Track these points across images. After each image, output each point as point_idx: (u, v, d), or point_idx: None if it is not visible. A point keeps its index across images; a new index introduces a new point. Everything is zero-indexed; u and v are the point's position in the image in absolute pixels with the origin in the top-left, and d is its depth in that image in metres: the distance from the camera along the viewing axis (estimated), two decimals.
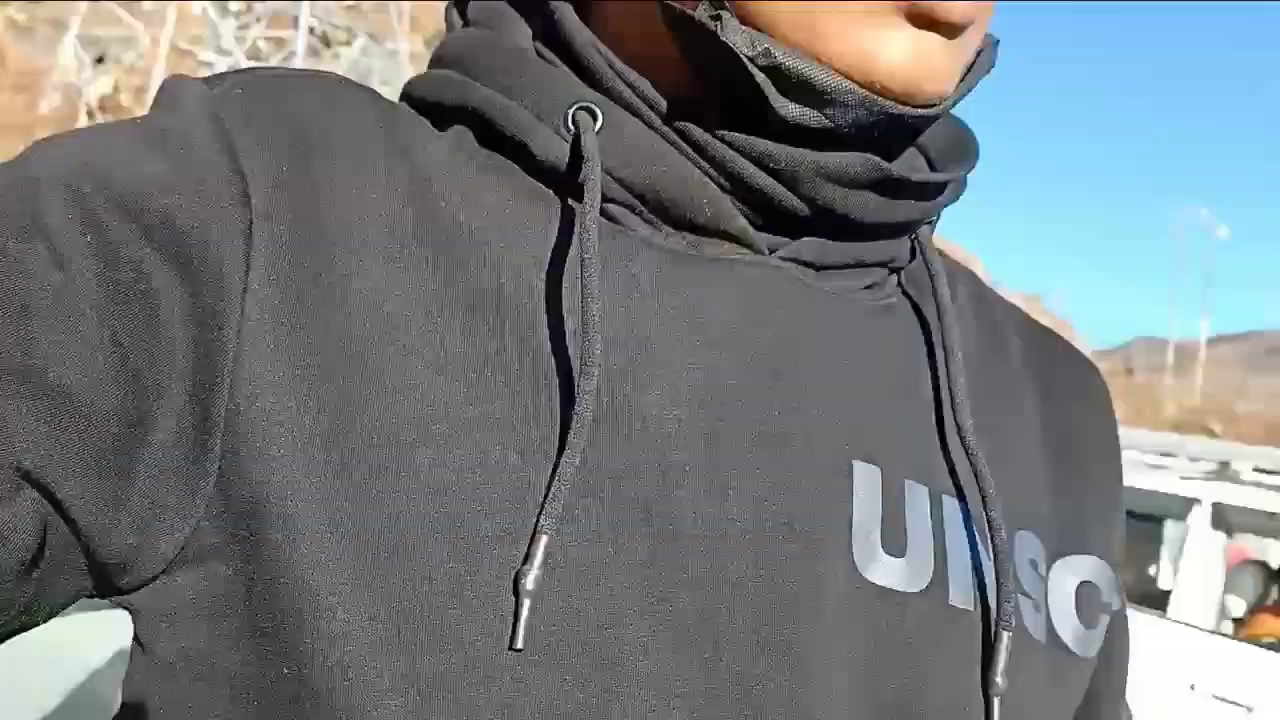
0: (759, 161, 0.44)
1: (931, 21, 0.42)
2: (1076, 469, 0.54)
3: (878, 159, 0.44)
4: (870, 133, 0.43)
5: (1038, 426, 0.54)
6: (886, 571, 0.43)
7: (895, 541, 0.44)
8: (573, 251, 0.43)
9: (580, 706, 0.38)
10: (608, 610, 0.39)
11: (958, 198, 0.50)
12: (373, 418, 0.39)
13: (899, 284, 0.50)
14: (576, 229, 0.42)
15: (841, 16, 0.41)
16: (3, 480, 0.35)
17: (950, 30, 0.42)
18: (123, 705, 0.44)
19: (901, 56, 0.42)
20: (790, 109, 0.42)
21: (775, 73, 0.42)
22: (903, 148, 0.47)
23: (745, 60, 0.42)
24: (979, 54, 0.46)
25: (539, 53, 0.48)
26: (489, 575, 0.38)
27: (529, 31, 0.49)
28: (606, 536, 0.39)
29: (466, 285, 0.42)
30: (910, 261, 0.51)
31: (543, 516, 0.38)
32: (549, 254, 0.43)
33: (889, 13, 0.41)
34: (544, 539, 0.38)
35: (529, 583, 0.37)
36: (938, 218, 0.51)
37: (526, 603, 0.37)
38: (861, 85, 0.42)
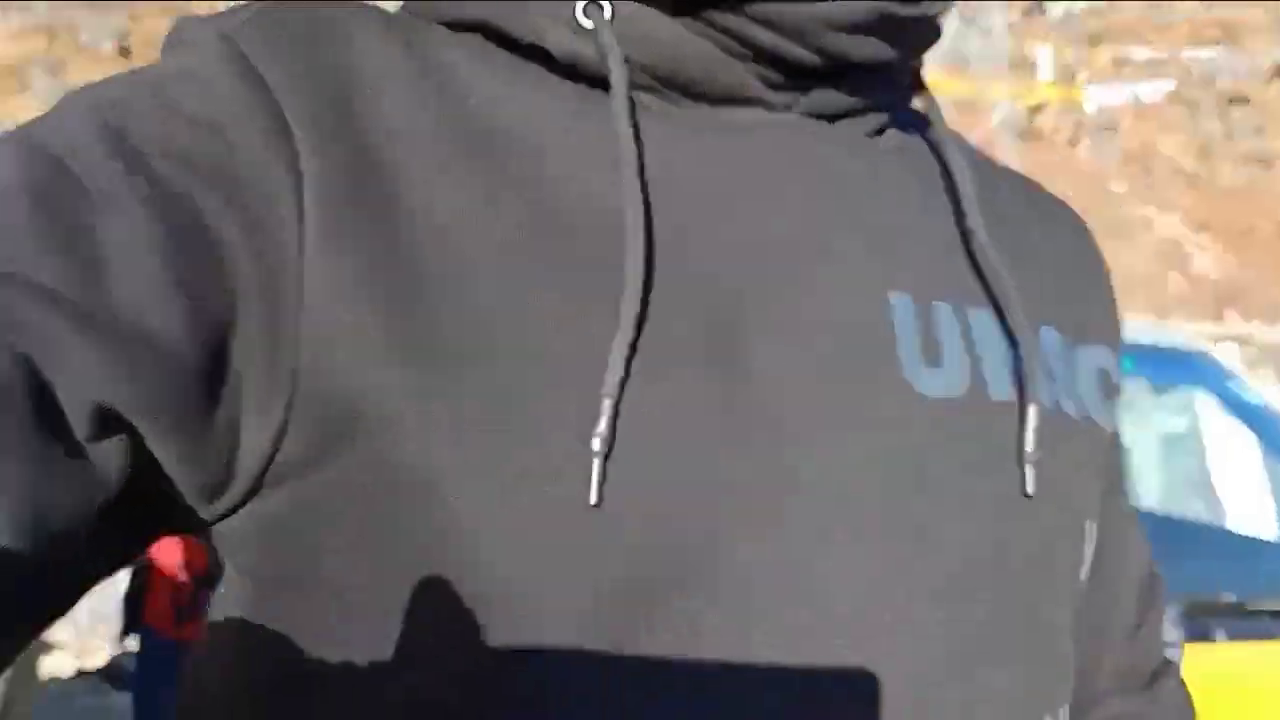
0: (766, 23, 0.46)
1: None
2: (1079, 278, 0.61)
3: (878, 3, 0.47)
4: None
5: (1040, 244, 0.59)
6: (930, 382, 0.48)
7: (933, 356, 0.48)
8: (608, 139, 0.46)
9: (677, 538, 0.41)
10: (687, 460, 0.42)
11: (937, 38, 0.55)
12: (444, 312, 0.41)
13: (898, 129, 0.55)
14: (615, 122, 0.45)
15: None
16: (87, 421, 0.36)
17: None
18: (212, 625, 0.46)
19: None
20: None
21: None
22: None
23: None
24: None
25: None
26: (566, 437, 0.41)
27: None
28: (675, 390, 0.42)
29: (509, 182, 0.44)
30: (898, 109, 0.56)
31: (606, 381, 0.41)
32: (584, 143, 0.46)
33: None
34: (607, 401, 0.41)
35: (597, 444, 0.40)
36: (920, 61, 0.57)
37: (597, 464, 0.40)
38: None
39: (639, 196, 0.44)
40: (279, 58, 0.42)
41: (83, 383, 0.36)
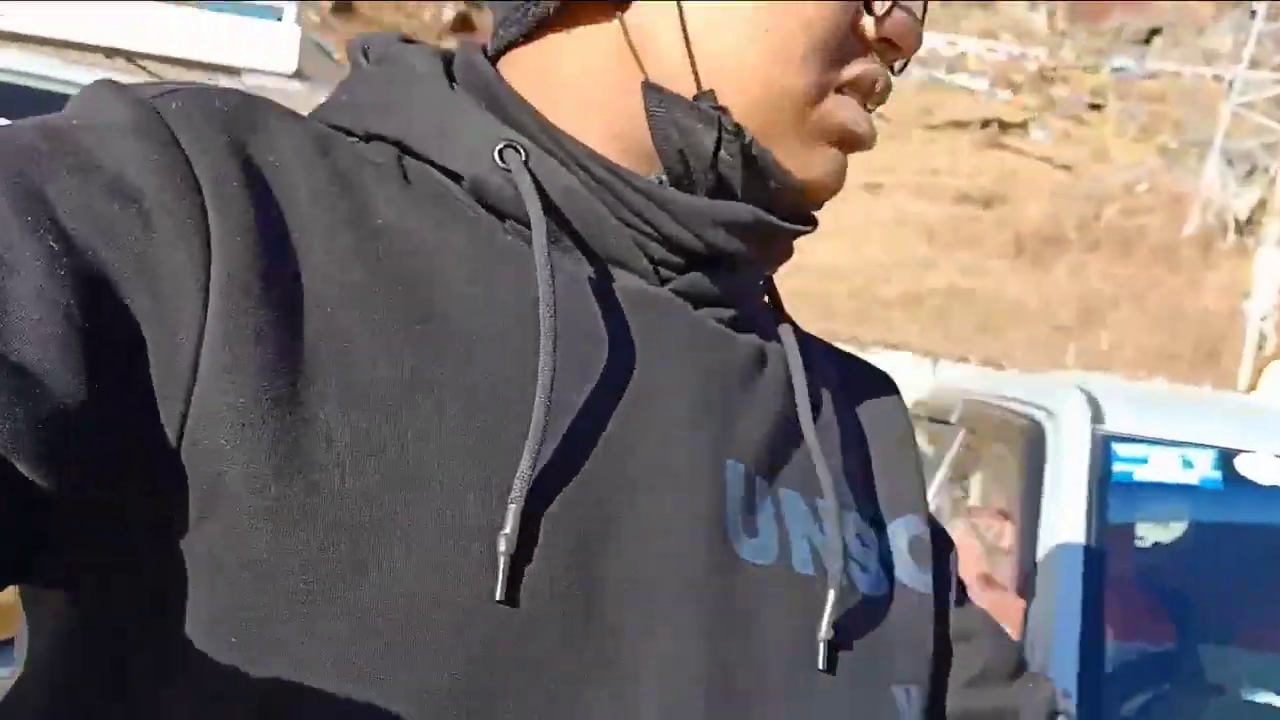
0: (660, 203, 0.53)
1: (850, 145, 0.56)
2: (888, 453, 0.66)
3: (755, 209, 0.54)
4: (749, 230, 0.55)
5: (855, 429, 0.65)
6: (748, 549, 0.52)
7: (750, 525, 0.53)
8: (499, 264, 0.50)
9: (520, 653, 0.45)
10: (547, 573, 0.46)
11: (790, 255, 0.61)
12: (331, 425, 0.43)
13: (749, 322, 0.60)
14: (536, 259, 0.49)
15: (802, 130, 0.54)
16: None
17: (852, 153, 0.57)
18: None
19: (833, 172, 0.56)
20: (734, 176, 0.54)
21: (746, 158, 0.53)
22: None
23: (727, 139, 0.53)
24: None
25: (451, 86, 0.54)
26: (473, 542, 0.44)
27: (432, 62, 0.55)
28: (554, 510, 0.47)
29: (416, 305, 0.46)
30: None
31: (514, 491, 0.45)
32: (484, 271, 0.49)
33: (832, 134, 0.55)
34: (513, 508, 0.44)
35: (503, 544, 0.44)
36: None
37: (503, 561, 0.44)
38: (799, 184, 0.55)
39: (553, 326, 0.47)
40: (202, 138, 0.44)
41: None
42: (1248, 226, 21.78)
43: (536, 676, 0.45)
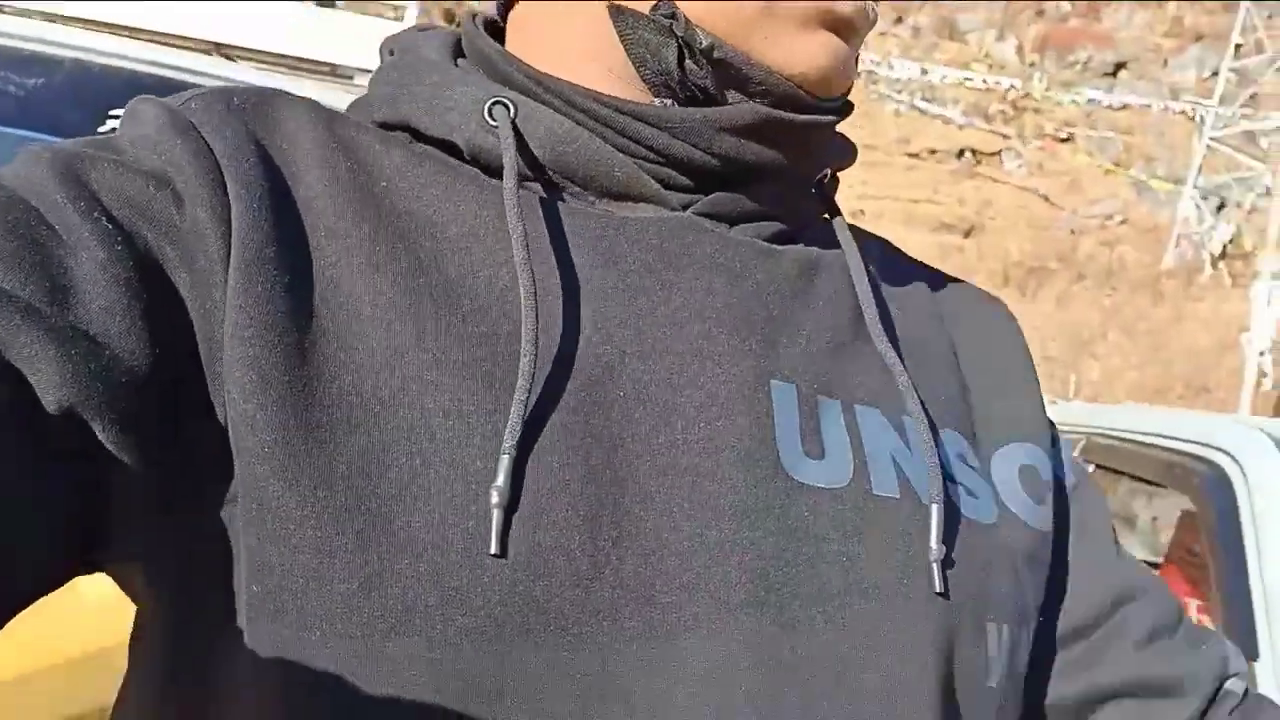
0: (656, 123, 0.51)
1: (841, 27, 0.51)
2: (1000, 374, 0.61)
3: (760, 106, 0.51)
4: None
5: (953, 347, 0.60)
6: (808, 471, 0.49)
7: (813, 446, 0.49)
8: (500, 220, 0.49)
9: (532, 600, 0.43)
10: (557, 515, 0.44)
11: (848, 157, 0.58)
12: (340, 381, 0.44)
13: (801, 235, 0.56)
14: (506, 200, 0.48)
15: (773, 23, 0.50)
16: (60, 424, 0.39)
17: (853, 36, 0.52)
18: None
19: (826, 58, 0.51)
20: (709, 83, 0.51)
21: (719, 65, 0.50)
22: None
23: (684, 50, 0.50)
24: None
25: (455, 64, 0.55)
26: (445, 491, 0.43)
27: (443, 47, 0.56)
28: (554, 456, 0.44)
29: (410, 256, 0.47)
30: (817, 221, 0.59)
31: (505, 440, 0.43)
32: (484, 227, 0.49)
33: (811, 20, 0.51)
34: (506, 459, 0.43)
35: (495, 496, 0.43)
36: (832, 178, 0.60)
37: (496, 514, 0.42)
38: (788, 79, 0.51)
39: (530, 277, 0.46)
40: (221, 128, 0.47)
41: (55, 387, 0.39)
42: (1222, 261, 22.22)
43: (548, 637, 0.43)
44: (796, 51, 0.51)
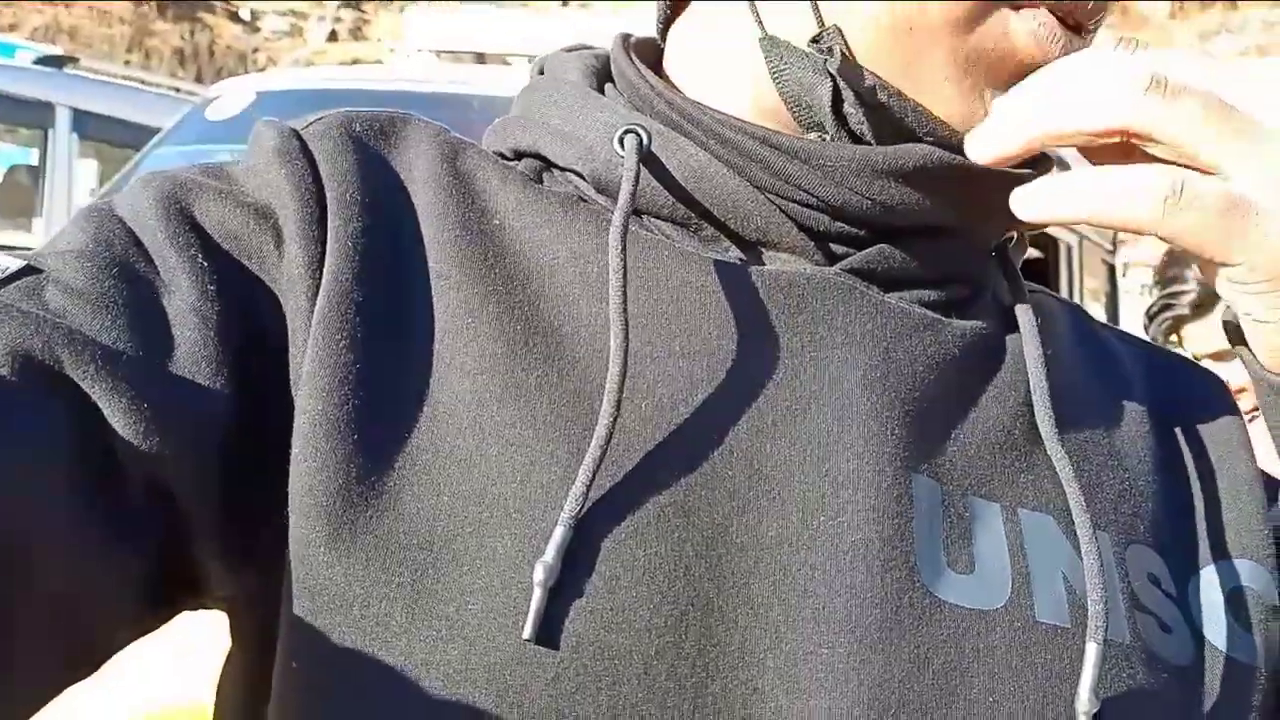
0: (807, 160, 0.44)
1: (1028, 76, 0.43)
2: (1211, 480, 0.51)
3: (931, 148, 0.44)
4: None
5: (1157, 445, 0.51)
6: (953, 587, 0.41)
7: (961, 557, 0.42)
8: (645, 270, 0.45)
9: (594, 709, 0.38)
10: (630, 611, 0.38)
11: (1033, 229, 0.51)
12: (417, 437, 0.41)
13: (971, 306, 0.49)
14: (610, 240, 0.43)
15: (946, 84, 0.44)
16: (140, 483, 0.39)
17: None
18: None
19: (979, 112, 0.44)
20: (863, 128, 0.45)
21: (879, 109, 0.44)
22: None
23: (844, 88, 0.44)
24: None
25: (596, 86, 0.51)
26: (504, 577, 0.38)
27: (588, 70, 0.51)
28: (628, 550, 0.39)
29: (509, 300, 0.44)
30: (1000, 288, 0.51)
31: (565, 510, 0.38)
32: (596, 271, 0.44)
33: (992, 74, 0.44)
34: (561, 530, 0.38)
35: (540, 572, 0.37)
36: (1018, 241, 0.52)
37: (538, 593, 0.37)
38: (959, 133, 0.44)
39: (623, 327, 0.41)
40: (335, 156, 0.45)
41: (129, 432, 0.38)
42: None
43: None
44: (977, 109, 0.45)
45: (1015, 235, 0.52)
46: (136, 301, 0.40)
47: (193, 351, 0.40)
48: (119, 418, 0.38)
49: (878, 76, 0.44)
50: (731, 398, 0.43)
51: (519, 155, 0.50)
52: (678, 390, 0.42)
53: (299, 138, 0.46)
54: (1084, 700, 0.41)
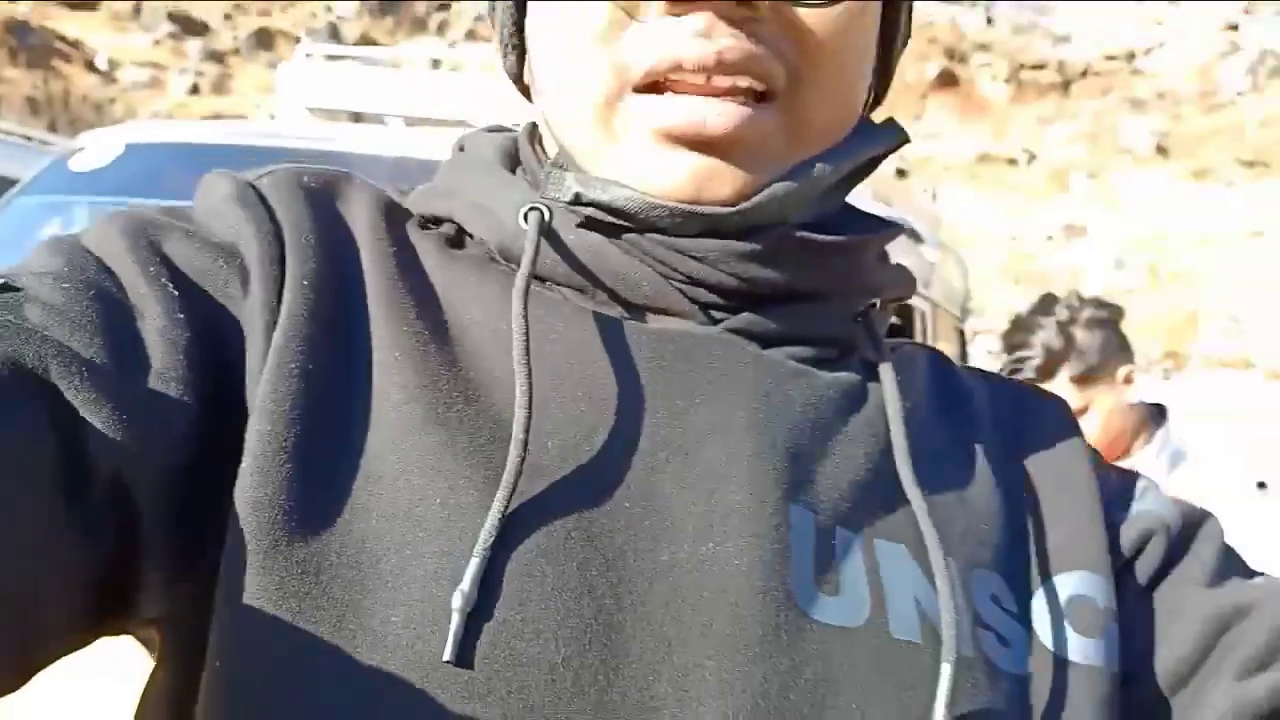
0: (683, 250, 0.50)
1: (700, 143, 0.49)
2: (1058, 499, 0.56)
3: (787, 229, 0.51)
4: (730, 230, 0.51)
5: (1002, 475, 0.56)
6: (824, 608, 0.46)
7: (829, 581, 0.47)
8: (545, 327, 0.50)
9: (504, 713, 0.41)
10: (540, 624, 0.42)
11: (901, 289, 0.58)
12: (351, 459, 0.45)
13: (841, 357, 0.55)
14: (514, 304, 0.48)
15: (625, 151, 0.51)
16: (106, 482, 0.41)
17: (720, 149, 0.49)
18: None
19: (668, 176, 0.50)
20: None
21: (583, 190, 0.51)
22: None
23: (556, 179, 0.52)
24: (835, 149, 0.53)
25: (508, 166, 0.57)
26: (424, 593, 0.42)
27: (499, 150, 0.58)
28: (538, 572, 0.43)
29: (442, 354, 0.49)
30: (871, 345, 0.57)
31: (479, 541, 0.42)
32: (505, 327, 0.50)
33: (661, 141, 0.49)
34: (476, 562, 0.42)
35: (457, 600, 0.41)
36: (881, 306, 0.57)
37: (456, 619, 0.41)
38: (655, 198, 0.50)
39: (526, 376, 0.46)
40: (290, 204, 0.51)
41: (104, 443, 0.40)
42: None
43: None
44: (647, 172, 0.50)
45: (878, 302, 0.57)
46: (110, 323, 0.43)
47: (162, 371, 0.43)
48: (97, 425, 0.40)
49: (580, 172, 0.52)
50: (628, 438, 0.47)
51: (440, 221, 0.56)
52: (579, 432, 0.47)
53: (254, 188, 0.51)
54: (940, 714, 0.45)
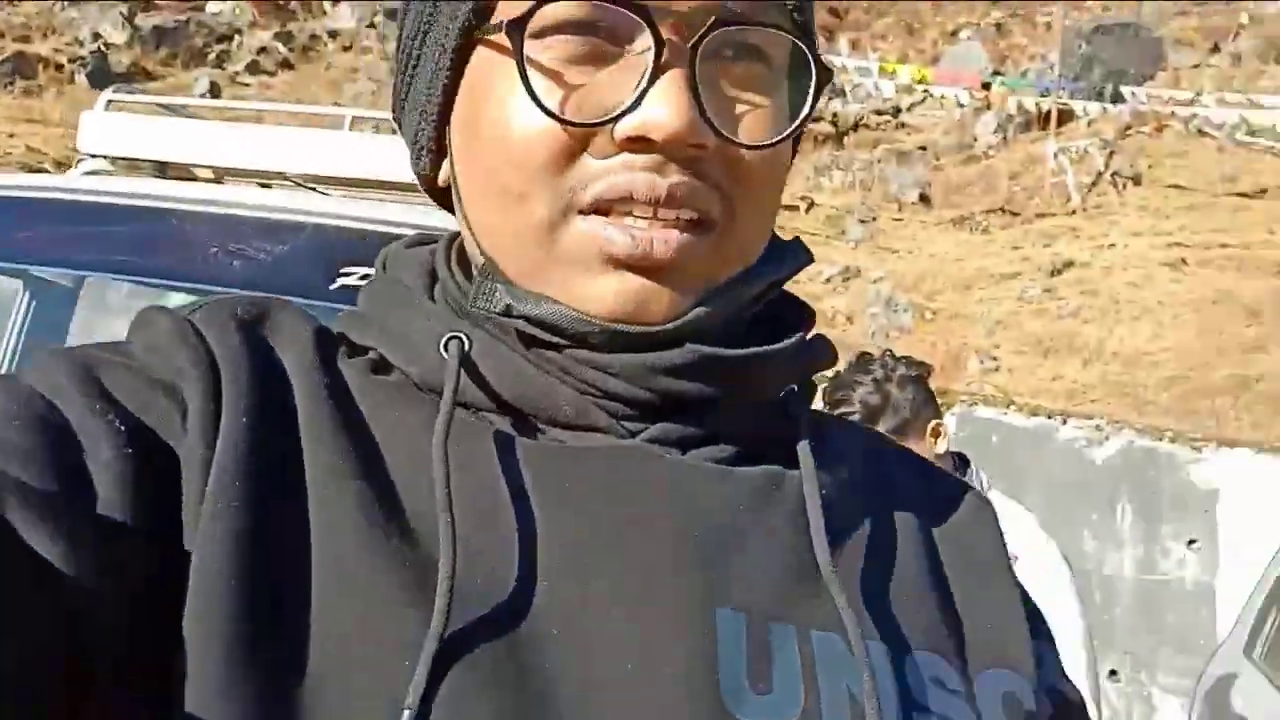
0: (601, 367, 0.53)
1: (642, 268, 0.51)
2: (977, 592, 0.58)
3: (698, 346, 0.53)
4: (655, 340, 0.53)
5: (931, 557, 0.58)
6: (755, 708, 0.47)
7: (762, 679, 0.47)
8: (466, 454, 0.51)
9: None
10: None
11: (821, 362, 0.59)
12: (298, 582, 0.46)
13: (758, 454, 0.56)
14: (434, 447, 0.49)
15: (566, 269, 0.52)
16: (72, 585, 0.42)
17: (657, 273, 0.52)
18: None
19: (608, 297, 0.52)
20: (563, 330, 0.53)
21: (522, 309, 0.53)
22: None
23: (498, 299, 0.54)
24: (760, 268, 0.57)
25: (429, 286, 0.59)
26: (368, 704, 0.43)
27: (421, 271, 0.60)
28: (475, 701, 0.44)
29: (372, 482, 0.50)
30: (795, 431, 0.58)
31: (409, 693, 0.43)
32: (428, 457, 0.50)
33: (606, 263, 0.51)
34: (407, 714, 0.42)
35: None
36: (803, 389, 0.60)
37: None
38: (590, 317, 0.52)
39: (449, 521, 0.47)
40: (224, 337, 0.53)
41: (63, 589, 0.41)
42: None
43: None
44: (588, 294, 0.52)
45: (796, 387, 0.60)
46: (60, 458, 0.45)
47: (109, 502, 0.44)
48: (51, 560, 0.41)
49: (512, 287, 0.54)
50: (552, 562, 0.48)
51: (363, 347, 0.57)
52: (505, 561, 0.48)
53: (191, 324, 0.53)
54: None
